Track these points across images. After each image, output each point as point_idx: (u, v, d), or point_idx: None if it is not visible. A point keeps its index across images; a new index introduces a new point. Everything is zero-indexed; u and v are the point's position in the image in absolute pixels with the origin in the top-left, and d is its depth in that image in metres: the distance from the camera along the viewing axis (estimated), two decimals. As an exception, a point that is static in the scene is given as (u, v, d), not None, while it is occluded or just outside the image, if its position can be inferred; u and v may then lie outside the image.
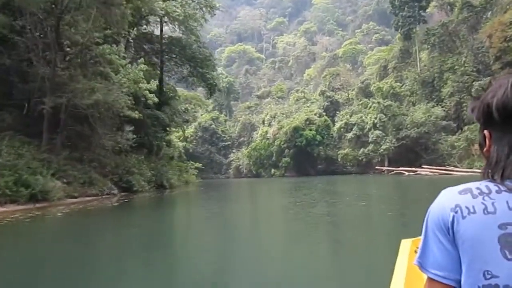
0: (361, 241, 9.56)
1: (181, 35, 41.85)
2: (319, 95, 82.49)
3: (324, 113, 75.03)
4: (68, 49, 25.10)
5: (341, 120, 69.55)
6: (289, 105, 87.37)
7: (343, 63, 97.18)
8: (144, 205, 22.88)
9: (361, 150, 64.35)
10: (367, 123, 63.98)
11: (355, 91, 76.00)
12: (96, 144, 24.68)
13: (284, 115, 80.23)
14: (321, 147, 71.85)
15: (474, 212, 1.02)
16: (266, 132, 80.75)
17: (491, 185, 1.05)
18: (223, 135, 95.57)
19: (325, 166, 71.87)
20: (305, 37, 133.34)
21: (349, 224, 12.57)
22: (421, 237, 1.12)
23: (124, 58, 28.21)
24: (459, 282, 1.03)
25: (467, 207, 1.03)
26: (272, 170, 77.35)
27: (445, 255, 1.05)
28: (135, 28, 36.23)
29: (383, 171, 59.46)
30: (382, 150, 60.67)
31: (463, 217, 1.02)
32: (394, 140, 59.53)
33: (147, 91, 28.37)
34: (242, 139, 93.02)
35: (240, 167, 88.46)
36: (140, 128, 30.45)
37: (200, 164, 66.36)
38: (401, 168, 53.56)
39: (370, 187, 31.51)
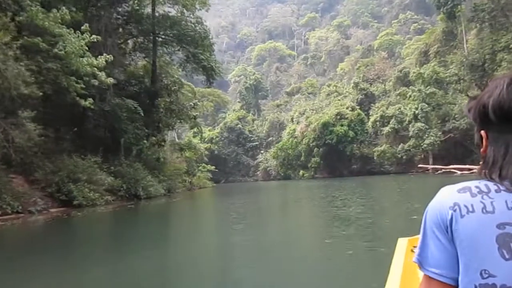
0: None
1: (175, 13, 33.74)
2: (353, 88, 72.51)
3: (357, 107, 65.01)
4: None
5: (376, 113, 59.31)
6: (319, 101, 77.34)
7: (378, 53, 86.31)
8: (52, 232, 14.50)
9: (400, 146, 54.08)
10: (406, 114, 53.72)
11: (392, 81, 65.45)
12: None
13: (314, 111, 70.53)
14: (354, 145, 61.95)
15: (473, 211, 0.99)
16: (294, 130, 71.41)
17: (490, 184, 1.02)
18: (251, 135, 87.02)
19: (360, 165, 61.88)
20: (338, 31, 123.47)
21: None
22: (420, 235, 1.08)
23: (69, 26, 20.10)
24: (456, 280, 1.01)
25: (465, 206, 1.00)
26: (301, 172, 68.01)
27: (443, 253, 1.02)
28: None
29: (428, 170, 49.01)
30: (425, 146, 50.35)
31: (462, 216, 1.00)
32: (439, 133, 49.22)
33: (95, 68, 20.07)
34: (270, 139, 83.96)
35: (269, 169, 79.55)
36: (97, 120, 22.31)
37: (213, 167, 57.86)
38: (452, 166, 42.73)
39: (424, 192, 21.93)
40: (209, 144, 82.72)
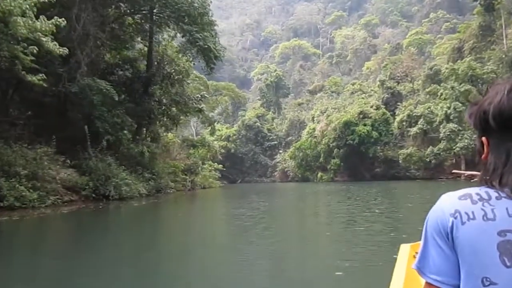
0: None
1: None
2: (378, 86, 66.47)
3: (382, 106, 58.98)
4: None
5: (403, 112, 53.21)
6: (343, 99, 71.23)
7: (407, 49, 79.71)
8: None
9: (429, 149, 47.98)
10: (437, 114, 47.65)
11: (422, 79, 59.10)
12: None
13: (336, 110, 64.68)
14: (378, 146, 56.07)
15: (474, 218, 0.97)
16: (314, 129, 65.77)
17: (491, 191, 1.00)
18: (269, 134, 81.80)
19: (384, 169, 55.95)
20: (366, 30, 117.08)
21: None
22: (421, 242, 1.06)
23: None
24: (457, 287, 1.00)
25: (466, 213, 0.98)
26: (319, 174, 62.43)
27: (444, 260, 1.00)
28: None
29: (460, 177, 42.72)
30: (457, 149, 44.29)
31: (463, 223, 0.98)
32: (474, 136, 42.84)
33: (39, 34, 15.32)
34: (290, 138, 78.45)
35: (286, 170, 74.24)
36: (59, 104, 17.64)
37: (221, 165, 52.94)
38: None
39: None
40: (225, 142, 77.98)
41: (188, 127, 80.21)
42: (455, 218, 0.98)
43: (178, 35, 31.79)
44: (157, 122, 32.27)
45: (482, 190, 1.00)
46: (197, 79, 51.87)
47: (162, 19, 28.68)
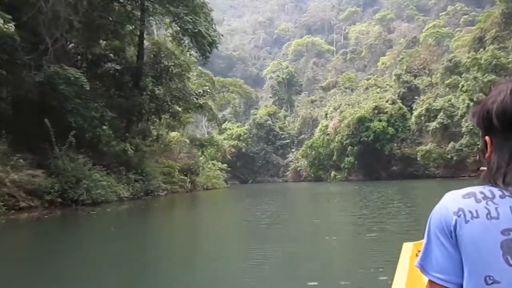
0: None
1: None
2: (394, 81, 62.57)
3: (399, 100, 55.14)
4: None
5: (421, 106, 49.31)
6: (357, 95, 67.33)
7: (425, 41, 75.49)
8: None
9: (450, 145, 44.08)
10: (458, 108, 43.74)
11: (440, 72, 55.03)
12: None
13: (350, 105, 60.96)
14: (394, 143, 52.22)
15: (477, 217, 0.97)
16: (326, 126, 62.17)
17: (495, 190, 1.00)
18: (281, 132, 78.50)
19: (401, 167, 52.11)
20: (381, 25, 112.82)
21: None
22: (424, 240, 1.06)
23: None
24: (460, 286, 0.99)
25: (470, 212, 0.98)
26: (333, 173, 58.84)
27: (447, 258, 1.00)
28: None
29: (485, 174, 38.81)
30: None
31: (466, 222, 0.97)
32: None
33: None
34: (302, 136, 74.90)
35: (299, 169, 70.77)
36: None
37: (225, 165, 49.92)
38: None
39: None
40: (236, 141, 75.00)
41: (199, 127, 77.83)
42: (459, 216, 0.97)
43: (174, 26, 28.77)
44: (148, 118, 29.29)
45: (486, 189, 0.99)
46: (202, 75, 49.02)
47: (149, 2, 25.61)
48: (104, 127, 20.15)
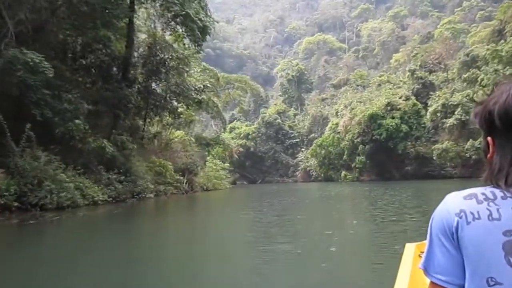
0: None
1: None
2: (408, 77, 59.27)
3: (413, 97, 51.92)
4: None
5: (437, 102, 46.06)
6: (369, 92, 64.06)
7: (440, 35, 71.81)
8: None
9: (469, 142, 40.79)
10: (477, 103, 40.30)
11: (457, 66, 51.68)
12: None
13: (361, 103, 57.82)
14: (408, 141, 49.05)
15: (479, 218, 0.95)
16: (337, 124, 59.14)
17: (497, 191, 0.98)
18: (291, 131, 75.71)
19: (415, 167, 48.99)
20: (394, 22, 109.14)
21: None
22: (426, 242, 1.05)
23: None
24: (462, 287, 0.98)
25: (471, 213, 0.97)
26: (343, 173, 55.84)
27: (449, 260, 0.99)
28: None
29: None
30: (503, 142, 36.93)
31: (468, 223, 0.96)
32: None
33: None
34: (312, 135, 71.89)
35: (309, 169, 67.87)
36: None
37: (227, 165, 47.33)
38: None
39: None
40: (244, 140, 72.37)
41: (208, 126, 75.39)
42: (460, 217, 0.96)
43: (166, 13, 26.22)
44: (138, 113, 26.80)
45: (488, 190, 0.98)
46: (207, 71, 46.48)
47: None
48: (77, 121, 17.64)
